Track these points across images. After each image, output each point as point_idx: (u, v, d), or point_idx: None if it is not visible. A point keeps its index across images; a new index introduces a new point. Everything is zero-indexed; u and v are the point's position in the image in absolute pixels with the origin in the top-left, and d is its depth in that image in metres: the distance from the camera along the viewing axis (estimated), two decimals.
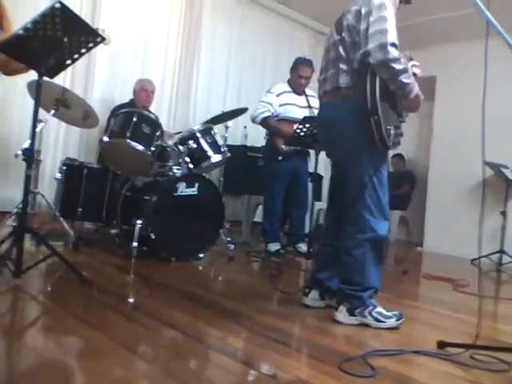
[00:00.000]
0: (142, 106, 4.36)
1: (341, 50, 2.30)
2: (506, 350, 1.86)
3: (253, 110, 4.35)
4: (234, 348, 1.91)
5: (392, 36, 2.10)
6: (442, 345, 2.00)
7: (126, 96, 4.60)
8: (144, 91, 4.47)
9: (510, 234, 5.11)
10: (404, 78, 2.14)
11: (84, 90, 4.52)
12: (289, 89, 4.41)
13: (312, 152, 4.37)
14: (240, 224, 5.10)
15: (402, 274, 4.02)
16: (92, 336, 1.82)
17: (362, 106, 2.16)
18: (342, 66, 2.29)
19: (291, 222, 4.65)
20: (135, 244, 3.17)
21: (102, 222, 3.77)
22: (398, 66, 2.10)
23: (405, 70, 2.14)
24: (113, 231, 3.76)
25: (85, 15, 4.37)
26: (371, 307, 2.24)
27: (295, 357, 1.88)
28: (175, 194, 3.40)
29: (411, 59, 2.45)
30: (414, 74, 2.35)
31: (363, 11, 2.20)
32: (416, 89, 2.23)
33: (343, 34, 2.29)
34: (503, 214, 5.19)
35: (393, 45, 2.09)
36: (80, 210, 3.61)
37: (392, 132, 2.20)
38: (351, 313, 2.25)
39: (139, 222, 3.23)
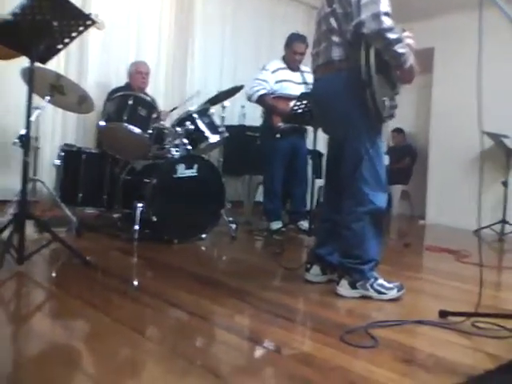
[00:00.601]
0: (138, 89, 4.34)
1: (332, 22, 2.27)
2: (508, 317, 1.88)
3: (248, 87, 4.31)
4: (240, 325, 1.94)
5: (385, 5, 2.07)
6: (443, 314, 2.01)
7: (122, 79, 4.57)
8: (139, 73, 4.45)
9: None
10: (398, 48, 2.12)
11: (78, 74, 4.49)
12: (283, 65, 4.36)
13: (310, 129, 4.35)
14: (242, 204, 5.11)
15: (404, 247, 4.04)
16: (98, 319, 1.84)
17: (356, 78, 2.15)
18: (335, 39, 2.26)
19: (292, 199, 4.66)
20: (137, 227, 3.19)
21: (104, 207, 3.77)
22: (392, 36, 2.08)
23: (399, 40, 2.12)
24: (115, 215, 3.77)
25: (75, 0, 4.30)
26: (372, 279, 2.26)
27: (299, 331, 1.91)
28: (175, 176, 3.40)
29: (404, 31, 2.43)
30: (408, 45, 2.33)
31: None
32: (411, 58, 2.21)
33: (334, 6, 2.25)
34: (504, 184, 5.17)
35: (386, 14, 2.06)
36: (80, 195, 3.63)
37: (387, 104, 2.19)
38: (353, 286, 2.27)
39: (140, 205, 3.25)
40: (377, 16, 2.05)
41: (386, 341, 1.73)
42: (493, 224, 5.01)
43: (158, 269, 2.79)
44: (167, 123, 4.40)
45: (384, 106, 2.19)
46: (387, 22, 2.06)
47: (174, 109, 4.59)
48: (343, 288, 2.29)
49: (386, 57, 2.16)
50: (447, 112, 6.11)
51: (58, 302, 2.08)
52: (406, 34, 2.36)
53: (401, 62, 2.18)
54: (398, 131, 6.84)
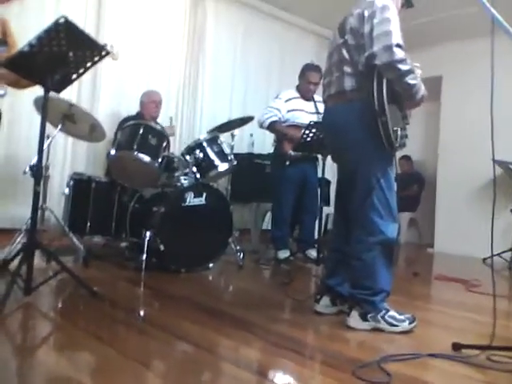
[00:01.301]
0: (151, 117, 4.39)
1: (344, 52, 2.30)
2: None
3: (260, 114, 4.36)
4: (247, 358, 1.89)
5: (397, 37, 2.11)
6: (457, 347, 1.97)
7: (133, 108, 4.62)
8: (153, 102, 4.50)
9: None
10: (410, 79, 2.14)
11: (90, 103, 4.55)
12: (297, 95, 4.41)
13: (320, 157, 4.36)
14: (249, 232, 5.10)
15: (413, 276, 3.98)
16: (104, 351, 1.81)
17: (368, 108, 2.16)
18: (347, 69, 2.29)
19: (301, 227, 4.63)
20: (144, 256, 3.18)
21: (112, 236, 3.76)
22: (404, 67, 2.10)
23: (411, 71, 2.14)
24: (122, 244, 3.77)
25: (89, 30, 4.39)
26: (384, 311, 2.22)
27: (309, 365, 1.87)
28: (183, 205, 3.40)
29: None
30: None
31: (366, 14, 2.20)
32: (422, 89, 2.23)
33: (346, 37, 2.29)
34: None
35: (398, 46, 2.09)
36: (89, 224, 3.61)
37: (399, 133, 2.20)
38: (364, 318, 2.23)
39: (148, 233, 3.24)
40: (389, 48, 2.08)
41: (400, 375, 1.69)
42: (502, 252, 4.95)
43: (164, 299, 2.75)
44: (176, 150, 4.45)
45: (396, 135, 2.19)
46: (399, 53, 2.09)
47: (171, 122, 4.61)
48: (354, 320, 2.25)
49: (398, 88, 2.18)
50: (455, 140, 6.13)
51: (64, 334, 2.05)
52: (415, 64, 2.39)
53: (412, 92, 2.20)
54: (406, 158, 6.84)
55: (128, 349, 1.85)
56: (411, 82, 2.15)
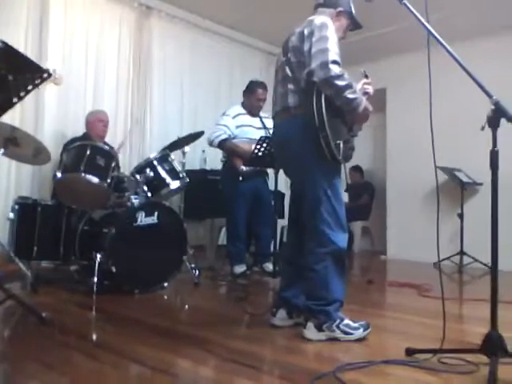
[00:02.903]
0: (98, 137, 4.30)
1: (287, 70, 2.37)
2: (472, 352, 1.88)
3: (209, 133, 4.36)
4: (205, 378, 1.87)
5: (333, 54, 2.17)
6: (410, 352, 2.02)
7: (79, 129, 4.52)
8: (100, 122, 4.41)
9: (469, 235, 5.23)
10: (348, 94, 2.20)
11: (34, 125, 4.41)
12: (243, 111, 4.44)
13: (271, 171, 4.40)
14: (205, 248, 5.06)
15: (368, 283, 4.06)
16: (55, 380, 1.75)
17: (310, 123, 2.21)
18: (290, 86, 2.35)
19: (259, 241, 4.62)
20: (95, 279, 3.10)
21: (60, 260, 3.64)
22: (340, 83, 2.16)
23: (348, 86, 2.20)
24: (72, 268, 3.65)
25: (30, 54, 4.29)
26: (338, 320, 2.25)
27: (267, 380, 1.86)
28: (135, 224, 3.34)
29: (366, 76, 2.53)
30: (366, 93, 2.43)
31: (306, 32, 2.28)
32: (364, 102, 2.29)
33: (289, 55, 2.37)
34: (460, 216, 5.32)
35: (334, 62, 2.16)
36: (36, 248, 3.49)
37: (341, 146, 2.25)
38: (319, 328, 2.25)
39: (99, 255, 3.16)
40: (325, 65, 2.15)
41: None
42: (451, 256, 5.13)
43: (118, 322, 2.68)
44: (126, 170, 4.36)
45: (339, 148, 2.25)
46: (335, 69, 2.15)
47: (121, 144, 4.53)
48: (310, 331, 2.27)
49: (338, 102, 2.23)
50: (402, 149, 6.33)
51: (12, 364, 1.96)
52: (365, 80, 2.48)
53: (353, 106, 2.25)
54: (356, 169, 7.00)
55: (81, 376, 1.79)
56: (350, 96, 2.20)
